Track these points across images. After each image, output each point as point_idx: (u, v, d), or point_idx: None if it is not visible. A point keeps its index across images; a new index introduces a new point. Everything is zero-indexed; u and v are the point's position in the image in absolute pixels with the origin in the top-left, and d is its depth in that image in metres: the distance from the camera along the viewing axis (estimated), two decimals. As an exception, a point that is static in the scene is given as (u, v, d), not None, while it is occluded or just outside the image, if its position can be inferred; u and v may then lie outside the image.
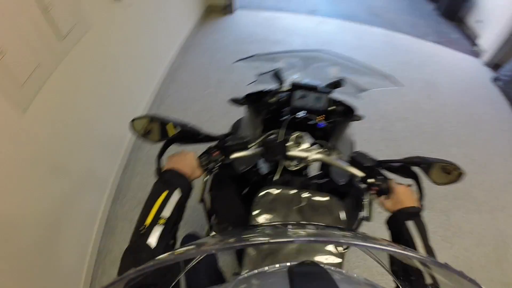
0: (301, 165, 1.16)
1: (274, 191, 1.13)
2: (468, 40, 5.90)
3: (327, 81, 1.39)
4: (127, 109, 2.56)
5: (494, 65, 4.87)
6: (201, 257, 0.79)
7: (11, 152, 1.34)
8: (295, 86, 1.32)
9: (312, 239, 0.76)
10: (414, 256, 0.57)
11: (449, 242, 2.42)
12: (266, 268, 0.61)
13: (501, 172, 3.06)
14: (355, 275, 0.61)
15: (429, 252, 0.86)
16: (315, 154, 1.10)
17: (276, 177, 1.24)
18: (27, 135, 1.44)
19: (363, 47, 4.47)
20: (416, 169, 1.09)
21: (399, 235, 0.91)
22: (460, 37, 5.98)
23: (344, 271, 0.61)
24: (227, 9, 4.82)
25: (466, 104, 3.86)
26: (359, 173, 1.06)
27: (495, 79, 4.55)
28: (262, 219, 1.10)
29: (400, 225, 0.91)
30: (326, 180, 1.35)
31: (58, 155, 1.71)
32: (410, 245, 0.86)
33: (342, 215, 1.11)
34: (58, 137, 1.69)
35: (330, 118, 1.40)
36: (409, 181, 1.10)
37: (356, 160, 1.08)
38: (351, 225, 1.26)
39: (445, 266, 0.49)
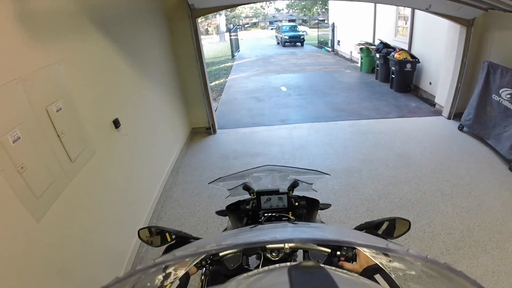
0: (281, 254, 1.21)
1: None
2: (427, 103, 6.59)
3: (286, 184, 1.69)
4: (128, 224, 2.82)
5: (456, 115, 5.43)
6: (200, 257, 0.84)
7: (25, 255, 1.53)
8: (259, 193, 1.59)
9: (312, 237, 0.79)
10: (414, 256, 0.54)
11: (466, 295, 2.41)
12: (266, 268, 0.62)
13: (495, 206, 3.20)
14: (354, 275, 0.61)
15: None
16: (289, 244, 1.17)
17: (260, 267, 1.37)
18: (40, 242, 1.64)
19: (334, 141, 4.97)
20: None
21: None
22: (419, 103, 6.70)
23: (344, 271, 0.62)
24: (210, 130, 5.54)
25: (441, 159, 4.20)
26: (326, 249, 1.15)
27: (460, 127, 5.04)
28: None
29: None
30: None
31: (66, 262, 1.87)
32: None
33: None
34: (67, 245, 1.88)
35: (298, 212, 1.61)
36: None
37: None
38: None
39: (446, 266, 0.49)
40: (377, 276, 0.95)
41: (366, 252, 0.95)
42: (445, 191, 3.53)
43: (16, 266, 1.51)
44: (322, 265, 0.57)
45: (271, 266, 0.63)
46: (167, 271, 0.82)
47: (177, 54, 4.91)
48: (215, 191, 3.74)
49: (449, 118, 5.55)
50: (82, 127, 2.19)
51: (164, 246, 1.29)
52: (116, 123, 2.71)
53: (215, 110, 6.76)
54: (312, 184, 1.83)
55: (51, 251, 1.76)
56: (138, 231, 1.29)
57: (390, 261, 0.80)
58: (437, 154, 4.37)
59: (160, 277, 0.79)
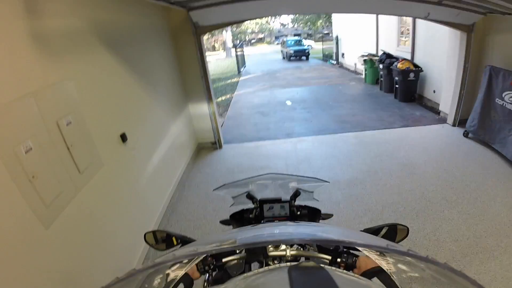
0: (284, 262, 1.23)
1: None
2: (431, 112, 6.60)
3: (289, 194, 1.72)
4: (133, 237, 2.85)
5: (460, 122, 5.43)
6: (200, 258, 0.85)
7: (32, 260, 1.59)
8: (262, 201, 1.62)
9: (313, 237, 0.79)
10: (414, 255, 0.54)
11: (473, 302, 2.39)
12: (267, 268, 0.63)
13: (502, 211, 3.18)
14: (354, 275, 0.61)
15: None
16: (291, 251, 1.18)
17: None
18: (47, 248, 1.71)
19: (338, 153, 5.00)
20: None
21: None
22: (423, 112, 6.71)
23: (344, 271, 0.63)
24: (216, 145, 5.65)
25: (446, 167, 4.20)
26: (326, 256, 1.16)
27: (465, 133, 5.04)
28: None
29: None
30: None
31: (71, 269, 1.92)
32: None
33: None
34: (73, 253, 1.94)
35: (300, 220, 1.63)
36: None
37: (321, 246, 1.22)
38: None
39: (446, 266, 0.49)
40: (375, 279, 0.93)
41: (368, 254, 0.91)
42: (450, 198, 3.52)
43: (24, 271, 1.58)
44: (322, 265, 0.57)
45: (271, 266, 0.66)
46: (167, 271, 0.82)
47: (183, 71, 5.06)
48: (220, 204, 3.81)
49: (454, 125, 5.56)
50: (90, 141, 2.30)
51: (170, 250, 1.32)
52: (124, 138, 2.82)
53: (222, 125, 6.89)
54: (312, 192, 1.87)
55: (58, 258, 1.83)
56: (144, 235, 1.32)
57: (388, 263, 0.79)
58: (442, 162, 4.37)
59: (162, 276, 0.80)
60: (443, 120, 5.91)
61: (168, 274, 0.83)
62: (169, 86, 4.55)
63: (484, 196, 3.49)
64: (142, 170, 3.29)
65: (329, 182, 1.94)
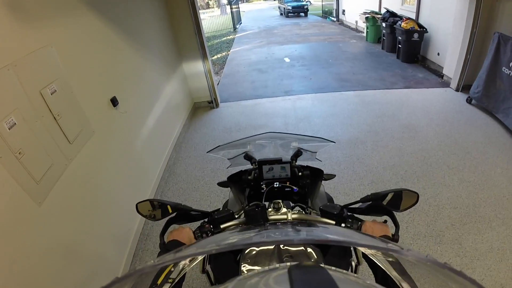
0: (285, 224, 1.24)
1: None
2: (434, 74, 6.41)
3: (290, 154, 1.65)
4: (131, 203, 2.77)
5: (464, 88, 5.28)
6: (203, 257, 0.86)
7: (29, 240, 1.56)
8: (261, 162, 1.54)
9: (312, 238, 0.80)
10: (414, 256, 0.55)
11: (470, 268, 2.40)
12: (266, 267, 0.62)
13: (502, 182, 3.15)
14: (355, 275, 0.61)
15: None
16: (292, 215, 1.19)
17: None
18: (43, 226, 1.67)
19: (338, 112, 4.90)
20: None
21: (376, 265, 0.99)
22: (426, 74, 6.52)
23: (344, 271, 0.62)
24: (212, 104, 5.49)
25: (448, 132, 4.11)
26: (330, 221, 1.17)
27: (468, 99, 4.91)
28: (249, 271, 1.18)
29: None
30: None
31: (71, 242, 1.90)
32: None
33: (320, 260, 1.17)
34: (71, 226, 1.91)
35: (301, 182, 1.57)
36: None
37: (325, 211, 1.20)
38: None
39: (445, 266, 0.50)
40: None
41: (367, 251, 0.95)
42: (451, 165, 3.47)
43: (21, 252, 1.52)
44: (322, 265, 0.57)
45: (271, 266, 0.62)
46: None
47: (176, 28, 4.78)
48: (218, 165, 3.72)
49: (457, 90, 5.40)
50: (79, 108, 2.15)
51: (165, 219, 1.28)
52: (114, 102, 2.65)
53: (218, 84, 6.67)
54: (316, 152, 1.78)
55: (55, 233, 1.78)
56: (136, 205, 1.26)
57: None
58: (444, 127, 4.27)
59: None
60: (446, 84, 5.74)
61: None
62: (161, 45, 4.30)
63: (485, 165, 3.43)
64: (137, 133, 3.16)
65: (334, 142, 1.84)
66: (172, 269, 0.87)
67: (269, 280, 0.55)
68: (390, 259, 0.80)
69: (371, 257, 0.89)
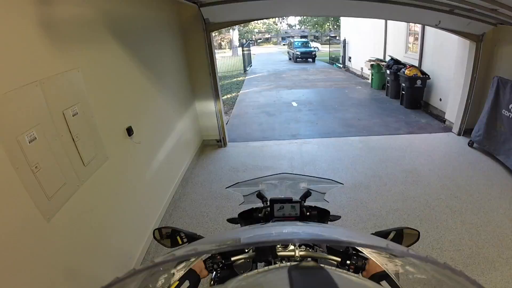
0: (292, 262, 1.21)
1: None
2: (437, 120, 6.58)
3: (299, 194, 1.74)
4: (137, 230, 2.86)
5: (466, 131, 5.42)
6: (200, 258, 0.85)
7: (33, 253, 1.59)
8: (272, 201, 1.59)
9: (313, 237, 0.80)
10: (415, 256, 0.55)
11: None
12: (267, 267, 0.62)
13: (505, 223, 3.18)
14: (355, 275, 0.61)
15: None
16: (300, 252, 1.19)
17: None
18: (48, 241, 1.70)
19: (343, 157, 4.99)
20: None
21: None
22: (429, 119, 6.69)
23: (344, 271, 0.62)
24: (220, 143, 5.64)
25: (451, 176, 4.19)
26: (335, 258, 1.17)
27: (470, 143, 5.03)
28: None
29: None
30: None
31: (72, 261, 1.92)
32: None
33: None
34: (74, 246, 1.93)
35: (309, 221, 1.62)
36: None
37: (331, 248, 1.23)
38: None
39: (446, 266, 0.50)
40: (384, 283, 0.94)
41: (374, 257, 0.95)
42: (454, 208, 3.52)
43: (24, 263, 1.56)
44: (322, 265, 0.57)
45: (271, 266, 0.65)
46: (172, 270, 0.82)
47: (191, 67, 5.05)
48: (224, 202, 3.80)
49: (459, 134, 5.54)
50: (96, 133, 2.28)
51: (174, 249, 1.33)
52: (129, 131, 2.81)
53: (226, 123, 6.86)
54: (324, 193, 1.87)
55: (59, 250, 1.82)
56: (154, 230, 1.32)
57: (396, 265, 0.80)
58: (447, 170, 4.36)
59: (165, 275, 0.79)
60: (449, 129, 5.90)
61: (172, 273, 0.81)
62: (177, 81, 4.55)
63: (487, 207, 3.48)
64: (147, 165, 3.29)
65: (343, 184, 1.95)
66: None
67: (269, 280, 0.57)
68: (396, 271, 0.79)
69: (380, 266, 0.87)
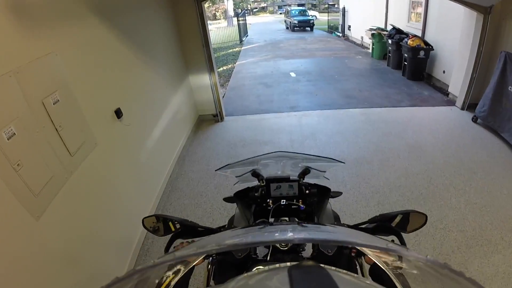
0: (290, 244, 1.22)
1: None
2: (440, 92, 6.41)
3: (297, 172, 1.66)
4: (134, 215, 2.77)
5: (470, 106, 5.26)
6: (200, 258, 0.86)
7: (26, 254, 1.51)
8: (268, 180, 1.55)
9: (312, 237, 0.81)
10: (415, 256, 0.54)
11: (477, 294, 2.35)
12: (267, 267, 0.62)
13: (508, 204, 3.10)
14: (355, 275, 0.61)
15: None
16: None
17: (269, 257, 1.26)
18: (41, 239, 1.62)
19: (344, 130, 4.85)
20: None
21: (380, 282, 0.98)
22: (432, 92, 6.52)
23: (344, 271, 0.62)
24: (217, 118, 5.47)
25: (454, 152, 4.08)
26: None
27: (474, 118, 4.89)
28: None
29: (381, 273, 0.97)
30: (317, 253, 1.38)
31: (71, 255, 1.87)
32: None
33: None
34: (71, 239, 1.86)
35: (308, 200, 1.58)
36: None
37: None
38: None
39: (446, 266, 0.50)
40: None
41: (374, 257, 0.96)
42: (458, 186, 3.43)
43: (18, 266, 1.48)
44: (322, 265, 0.57)
45: (271, 266, 0.63)
46: (174, 269, 0.83)
47: (183, 39, 4.80)
48: (222, 180, 3.69)
49: (462, 108, 5.39)
50: (81, 119, 2.13)
51: (169, 235, 1.29)
52: (118, 113, 2.64)
53: (223, 97, 6.69)
54: (324, 172, 1.79)
55: (55, 247, 1.74)
56: (143, 220, 1.27)
57: (394, 260, 0.82)
58: (450, 146, 4.25)
59: (167, 273, 0.80)
60: (452, 103, 5.74)
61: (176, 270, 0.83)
62: (169, 56, 4.33)
63: (491, 186, 3.39)
64: (140, 146, 3.14)
65: (344, 163, 1.88)
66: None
67: (269, 280, 0.57)
68: (398, 272, 0.80)
69: (381, 265, 0.88)
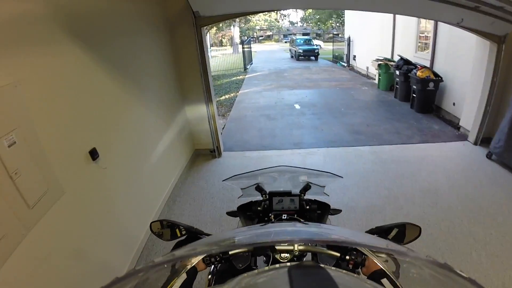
0: (290, 256, 1.23)
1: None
2: (450, 126, 6.10)
3: (299, 187, 1.74)
4: (105, 279, 2.38)
5: (483, 141, 4.94)
6: (200, 259, 0.91)
7: None
8: (271, 194, 1.65)
9: (312, 237, 0.85)
10: (415, 256, 0.57)
11: None
12: (267, 267, 0.63)
13: None
14: (355, 275, 0.63)
15: None
16: (299, 246, 1.18)
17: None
18: None
19: (353, 172, 4.41)
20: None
21: None
22: (442, 126, 6.21)
23: (344, 271, 0.63)
24: (214, 153, 5.07)
25: (471, 195, 3.72)
26: (335, 253, 1.16)
27: (489, 154, 4.55)
28: None
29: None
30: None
31: None
32: None
33: None
34: None
35: (309, 215, 1.66)
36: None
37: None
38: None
39: (446, 266, 0.53)
40: (384, 281, 0.91)
41: (373, 257, 1.03)
42: (477, 236, 3.08)
43: None
44: (322, 265, 0.60)
45: (271, 266, 0.68)
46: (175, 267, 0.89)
47: (180, 66, 4.48)
48: (215, 228, 3.37)
49: (475, 143, 5.05)
50: (45, 164, 1.82)
51: (175, 241, 1.36)
52: (94, 154, 2.29)
53: (223, 128, 6.46)
54: (324, 187, 1.88)
55: None
56: (150, 224, 1.37)
57: (395, 264, 0.92)
58: (466, 188, 3.89)
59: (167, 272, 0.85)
60: (464, 137, 5.40)
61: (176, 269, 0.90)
62: (163, 84, 4.03)
63: (512, 233, 3.04)
64: (120, 190, 2.77)
65: (342, 177, 1.95)
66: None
67: (269, 280, 0.59)
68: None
69: (378, 264, 0.95)
